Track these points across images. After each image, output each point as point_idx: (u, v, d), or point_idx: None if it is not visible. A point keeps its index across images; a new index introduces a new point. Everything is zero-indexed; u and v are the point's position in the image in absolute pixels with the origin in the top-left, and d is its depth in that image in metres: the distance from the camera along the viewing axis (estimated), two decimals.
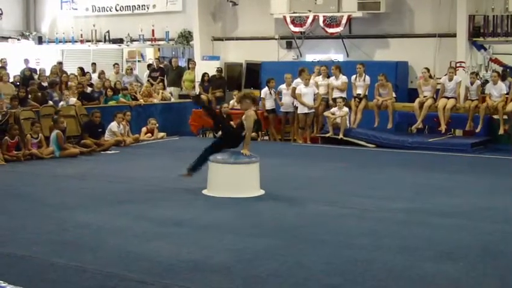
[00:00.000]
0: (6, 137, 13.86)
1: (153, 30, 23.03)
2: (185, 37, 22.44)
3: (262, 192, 10.39)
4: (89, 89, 18.80)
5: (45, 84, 18.47)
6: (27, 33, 25.58)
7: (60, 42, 25.06)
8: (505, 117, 15.76)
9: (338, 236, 7.94)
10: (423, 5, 18.90)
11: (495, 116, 15.99)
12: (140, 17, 23.50)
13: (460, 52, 17.87)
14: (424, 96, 16.40)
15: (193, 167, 10.77)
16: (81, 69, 21.62)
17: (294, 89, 17.11)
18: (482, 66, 19.09)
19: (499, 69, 18.06)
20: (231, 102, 18.54)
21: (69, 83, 18.11)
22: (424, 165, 13.50)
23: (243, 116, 10.51)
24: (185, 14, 22.44)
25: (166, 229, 8.22)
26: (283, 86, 17.55)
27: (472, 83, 16.06)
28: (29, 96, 16.51)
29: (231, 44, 21.88)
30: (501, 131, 15.67)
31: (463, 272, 6.51)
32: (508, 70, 18.27)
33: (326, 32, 19.41)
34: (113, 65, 21.91)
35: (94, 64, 22.62)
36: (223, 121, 11.71)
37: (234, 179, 10.27)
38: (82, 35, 24.55)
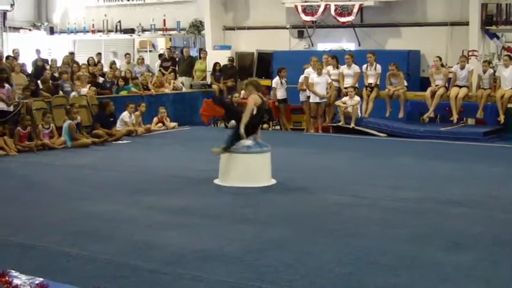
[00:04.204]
0: (18, 128, 13.92)
1: (164, 20, 23.03)
2: (197, 27, 22.43)
3: (273, 181, 10.39)
4: (101, 79, 18.83)
5: (57, 74, 18.50)
6: (38, 24, 25.63)
7: (71, 32, 25.10)
8: None
9: (349, 225, 7.94)
10: None
11: (509, 105, 15.88)
12: (151, 6, 23.51)
13: (472, 41, 17.78)
14: (436, 85, 16.32)
15: (226, 147, 10.41)
16: (94, 59, 21.60)
17: (307, 78, 17.07)
18: (494, 54, 18.98)
19: None
20: (242, 91, 18.51)
21: (77, 73, 18.11)
22: (436, 155, 13.45)
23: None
24: (196, 4, 22.39)
25: (178, 219, 8.25)
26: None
27: (484, 72, 15.95)
28: (41, 86, 16.57)
29: (242, 33, 21.85)
30: (502, 119, 15.57)
31: (474, 262, 6.51)
32: None
33: (338, 21, 19.35)
34: (125, 55, 21.92)
35: (99, 54, 22.58)
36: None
37: (245, 168, 10.26)
38: (93, 25, 24.56)
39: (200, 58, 21.54)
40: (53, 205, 9.03)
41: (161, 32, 23.55)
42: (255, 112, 10.35)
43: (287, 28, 20.96)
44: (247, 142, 10.31)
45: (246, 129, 10.26)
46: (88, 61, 20.88)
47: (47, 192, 9.95)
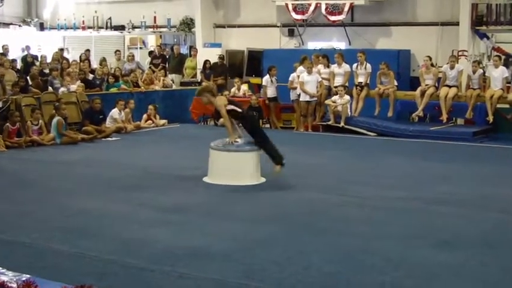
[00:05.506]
0: (7, 124, 13.86)
1: (155, 17, 22.98)
2: (187, 24, 22.40)
3: (263, 180, 10.40)
4: (90, 76, 18.77)
5: (46, 70, 18.44)
6: (28, 20, 25.50)
7: (62, 28, 24.99)
8: (507, 106, 15.78)
9: (338, 224, 7.96)
10: None
11: (498, 105, 15.93)
12: (142, 3, 23.43)
13: (463, 41, 17.83)
14: (426, 85, 16.34)
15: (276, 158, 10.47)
16: (85, 55, 21.50)
17: (298, 76, 17.06)
18: (484, 55, 19.02)
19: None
20: (232, 89, 18.54)
21: (67, 70, 18.04)
22: (425, 154, 13.49)
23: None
24: (187, 1, 22.35)
25: (167, 216, 8.24)
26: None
27: (474, 72, 15.99)
28: (30, 83, 16.52)
29: (232, 31, 21.83)
30: (490, 119, 15.63)
31: (463, 261, 6.53)
32: (510, 59, 18.19)
33: (328, 19, 19.36)
34: (115, 52, 21.85)
35: (88, 51, 22.48)
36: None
37: (235, 166, 10.27)
38: (83, 21, 24.46)
39: (190, 56, 21.49)
40: (42, 201, 9.01)
41: (151, 29, 23.50)
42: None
43: (278, 26, 20.95)
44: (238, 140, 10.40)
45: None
46: (80, 57, 20.81)
47: (35, 189, 9.92)
